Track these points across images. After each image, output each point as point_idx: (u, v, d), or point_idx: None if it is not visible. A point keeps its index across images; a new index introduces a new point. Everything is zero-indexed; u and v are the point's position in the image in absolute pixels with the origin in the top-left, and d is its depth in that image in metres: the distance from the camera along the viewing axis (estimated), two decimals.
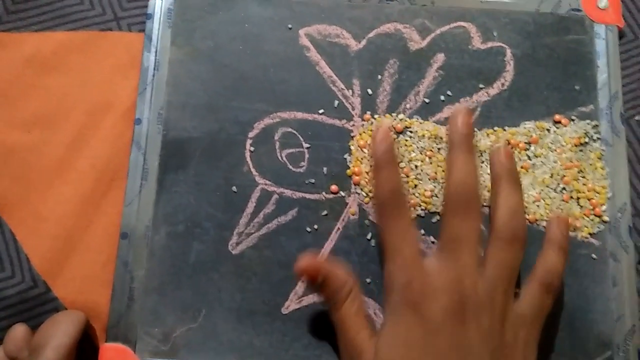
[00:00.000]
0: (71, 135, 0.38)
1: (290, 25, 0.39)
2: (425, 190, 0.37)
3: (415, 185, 0.37)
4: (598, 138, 0.38)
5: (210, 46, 0.39)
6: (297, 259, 0.32)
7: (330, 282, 0.32)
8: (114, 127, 0.38)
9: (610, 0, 0.40)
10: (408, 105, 0.38)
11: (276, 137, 0.38)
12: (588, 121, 0.38)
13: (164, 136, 0.37)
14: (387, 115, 0.38)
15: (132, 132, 0.37)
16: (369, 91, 0.38)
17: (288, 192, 0.37)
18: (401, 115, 0.38)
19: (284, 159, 0.37)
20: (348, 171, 0.37)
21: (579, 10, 0.40)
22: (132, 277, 0.35)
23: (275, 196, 0.37)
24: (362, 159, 0.37)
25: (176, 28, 0.39)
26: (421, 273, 0.30)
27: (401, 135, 0.38)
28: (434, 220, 0.36)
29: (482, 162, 0.37)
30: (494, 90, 0.39)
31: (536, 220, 0.36)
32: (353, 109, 0.38)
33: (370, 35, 0.39)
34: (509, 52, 0.39)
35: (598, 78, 0.39)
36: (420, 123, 0.38)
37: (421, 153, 0.37)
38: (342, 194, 0.37)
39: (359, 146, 0.37)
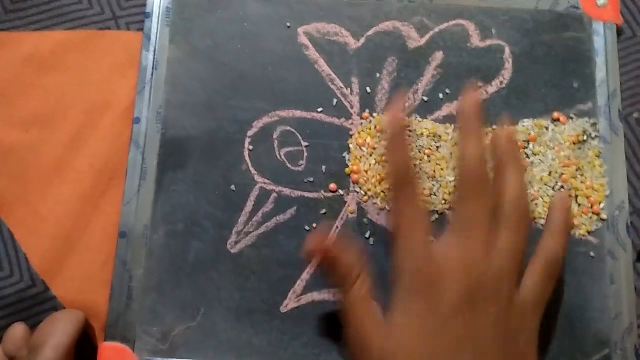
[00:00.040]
0: (70, 135, 0.38)
1: (289, 24, 0.39)
2: (424, 189, 0.37)
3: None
4: (596, 136, 0.38)
5: (209, 45, 0.39)
6: (307, 238, 0.31)
7: (340, 264, 0.31)
8: (113, 127, 0.38)
9: None
10: (407, 104, 0.38)
11: (275, 136, 0.38)
12: (586, 119, 0.38)
13: (163, 135, 0.37)
14: (386, 113, 0.38)
15: (131, 131, 0.37)
16: (368, 89, 0.38)
17: (287, 191, 0.37)
18: None
19: (283, 157, 0.37)
20: (347, 170, 0.37)
21: (577, 7, 0.40)
22: (131, 276, 0.35)
23: (274, 195, 0.37)
24: (361, 157, 0.37)
25: (175, 27, 0.39)
26: (431, 258, 0.29)
27: None
28: (432, 219, 0.36)
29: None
30: (492, 88, 0.39)
31: (535, 218, 0.36)
32: (352, 107, 0.38)
33: (369, 33, 0.39)
34: (507, 50, 0.39)
35: (596, 76, 0.39)
36: (419, 121, 0.38)
37: (420, 151, 0.37)
38: (341, 192, 0.37)
39: (357, 145, 0.37)
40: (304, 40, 0.39)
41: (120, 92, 0.39)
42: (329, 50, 0.39)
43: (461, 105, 0.32)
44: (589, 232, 0.36)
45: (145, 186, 0.36)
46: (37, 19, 0.40)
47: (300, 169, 0.37)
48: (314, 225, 0.36)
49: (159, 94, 0.38)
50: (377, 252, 0.36)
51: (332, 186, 0.37)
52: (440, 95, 0.38)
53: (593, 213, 0.37)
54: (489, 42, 0.39)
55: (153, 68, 0.38)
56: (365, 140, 0.37)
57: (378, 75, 0.39)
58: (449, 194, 0.36)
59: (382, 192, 0.37)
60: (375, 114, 0.38)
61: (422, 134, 0.37)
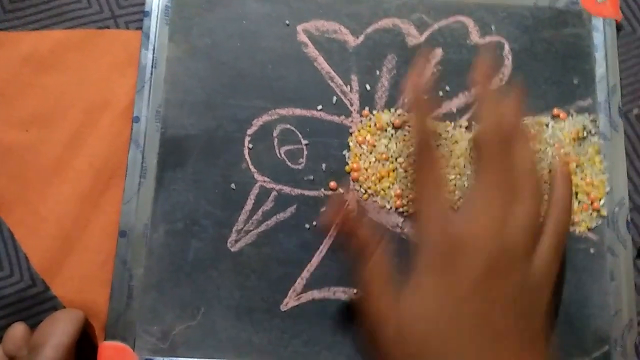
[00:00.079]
0: (69, 134, 0.38)
1: (287, 22, 0.39)
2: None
3: (414, 180, 0.37)
4: (596, 132, 0.38)
5: (207, 43, 0.39)
6: (329, 202, 0.31)
7: (359, 234, 0.31)
8: (112, 126, 0.38)
9: None
10: (407, 101, 0.38)
11: (275, 134, 0.38)
12: (586, 115, 0.38)
13: (162, 134, 0.37)
14: (386, 110, 0.38)
15: (130, 130, 0.37)
16: (368, 87, 0.38)
17: (287, 189, 0.37)
18: (399, 111, 0.38)
19: (283, 155, 0.37)
20: (347, 167, 0.37)
21: (576, 3, 0.40)
22: (131, 275, 0.35)
23: (274, 193, 0.37)
24: (360, 155, 0.37)
25: (174, 25, 0.39)
26: (451, 233, 0.29)
27: (400, 131, 0.38)
28: None
29: None
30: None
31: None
32: (351, 105, 0.38)
33: (368, 30, 0.39)
34: (507, 46, 0.39)
35: (596, 72, 0.39)
36: None
37: None
38: (341, 190, 0.37)
39: (357, 142, 0.37)
40: (303, 38, 0.39)
41: (119, 91, 0.39)
42: (328, 47, 0.39)
43: (474, 75, 0.32)
44: (588, 229, 0.36)
45: (145, 185, 0.36)
46: (35, 19, 0.40)
47: (300, 167, 0.37)
48: (314, 223, 0.36)
49: (158, 92, 0.38)
50: None
51: (332, 184, 0.37)
52: (440, 93, 0.38)
53: (593, 209, 0.37)
54: (488, 39, 0.39)
55: (152, 67, 0.38)
56: (365, 138, 0.37)
57: (377, 72, 0.38)
58: (449, 192, 0.36)
59: (382, 190, 0.36)
60: (375, 112, 0.38)
61: None
